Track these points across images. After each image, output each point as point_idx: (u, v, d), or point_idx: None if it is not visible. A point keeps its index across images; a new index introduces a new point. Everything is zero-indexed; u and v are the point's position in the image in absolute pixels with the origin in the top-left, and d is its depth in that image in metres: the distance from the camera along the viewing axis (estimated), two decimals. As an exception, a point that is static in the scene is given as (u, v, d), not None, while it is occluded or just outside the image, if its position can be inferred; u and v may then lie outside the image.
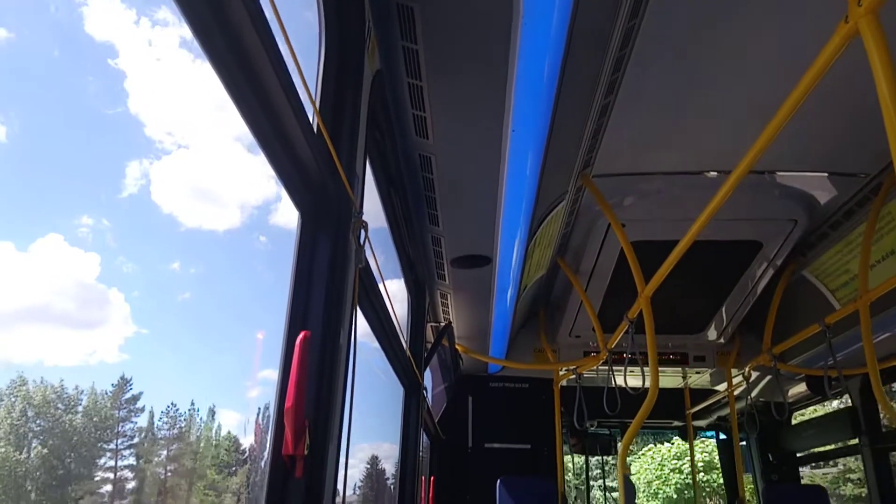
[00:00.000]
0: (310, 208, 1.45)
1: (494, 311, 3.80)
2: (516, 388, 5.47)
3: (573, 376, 4.72)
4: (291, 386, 1.17)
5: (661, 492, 25.67)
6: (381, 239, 2.83)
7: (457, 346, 4.75)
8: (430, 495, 4.98)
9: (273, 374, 1.36)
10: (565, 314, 4.55)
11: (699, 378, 5.38)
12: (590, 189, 2.99)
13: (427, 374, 4.12)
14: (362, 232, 1.61)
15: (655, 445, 26.24)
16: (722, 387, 5.36)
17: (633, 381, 4.46)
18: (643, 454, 27.35)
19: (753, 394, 5.14)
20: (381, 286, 2.23)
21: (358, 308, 1.65)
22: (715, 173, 2.92)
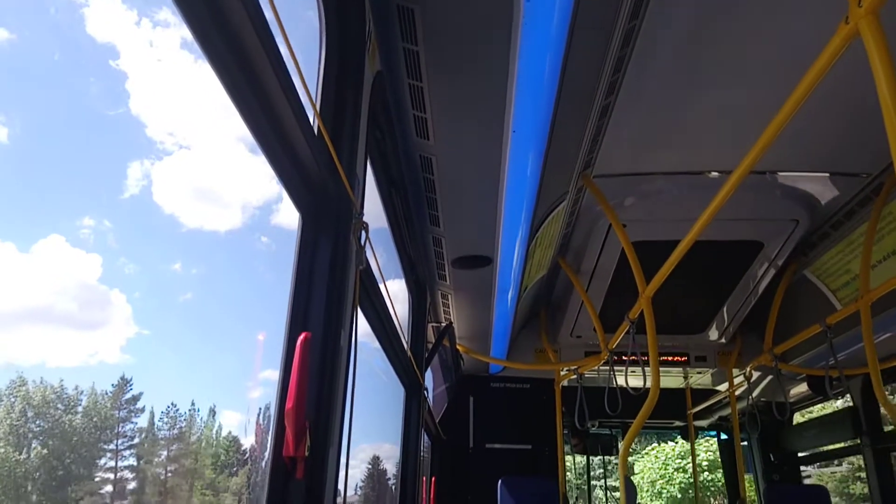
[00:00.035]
0: (310, 209, 1.46)
1: (495, 312, 3.80)
2: (517, 388, 5.47)
3: (574, 376, 4.72)
4: (292, 387, 1.17)
5: (664, 491, 25.48)
6: (382, 239, 2.84)
7: (458, 347, 4.75)
8: (432, 495, 4.98)
9: (274, 375, 1.36)
10: (566, 314, 4.55)
11: (700, 378, 5.38)
12: (590, 189, 2.99)
13: (428, 375, 4.12)
14: (363, 233, 1.61)
15: (659, 444, 26.00)
16: (723, 387, 5.35)
17: (635, 381, 4.46)
18: (646, 453, 27.20)
19: (755, 394, 5.14)
20: (381, 287, 2.23)
21: (359, 309, 1.65)
22: (716, 173, 2.92)
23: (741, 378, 4.83)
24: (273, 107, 1.18)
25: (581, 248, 3.69)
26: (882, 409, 4.34)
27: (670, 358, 4.89)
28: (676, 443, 25.02)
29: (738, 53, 2.14)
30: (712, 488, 23.50)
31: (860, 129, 2.55)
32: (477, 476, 5.20)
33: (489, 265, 3.38)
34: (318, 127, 1.41)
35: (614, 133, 2.55)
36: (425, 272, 3.63)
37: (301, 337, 1.22)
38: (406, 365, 3.26)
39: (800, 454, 5.82)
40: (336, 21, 1.62)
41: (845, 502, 21.51)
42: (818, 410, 6.72)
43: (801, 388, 5.21)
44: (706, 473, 23.45)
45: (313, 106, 1.42)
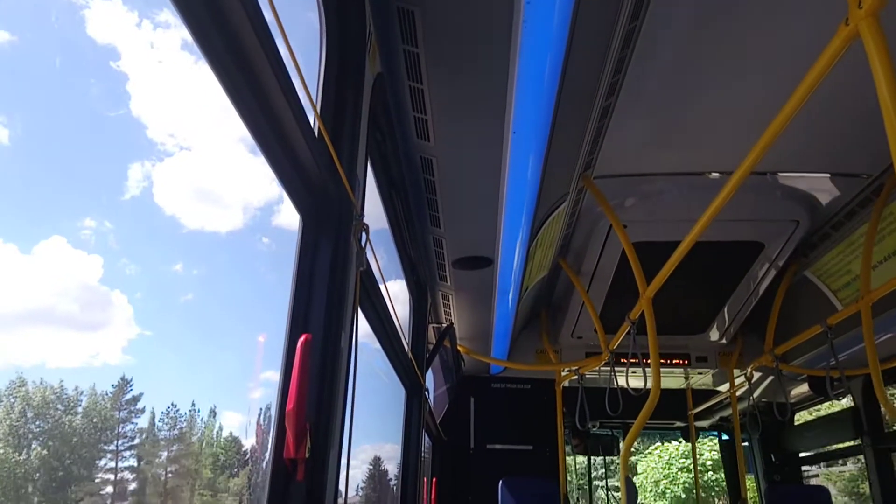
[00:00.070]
0: (311, 211, 1.46)
1: (496, 312, 3.80)
2: (518, 388, 5.47)
3: (575, 377, 4.71)
4: (293, 389, 1.17)
5: (668, 491, 25.29)
6: (383, 240, 2.84)
7: (458, 348, 4.75)
8: (433, 496, 4.98)
9: (275, 376, 1.36)
10: (567, 315, 4.55)
11: (701, 379, 5.38)
12: (591, 190, 2.99)
13: (429, 376, 4.12)
14: (363, 234, 1.61)
15: (663, 444, 25.84)
16: (724, 387, 5.35)
17: (635, 381, 4.46)
18: (650, 453, 27.05)
19: (755, 394, 5.14)
20: (382, 288, 2.23)
21: (359, 310, 1.65)
22: (717, 174, 2.92)
23: (742, 379, 4.82)
24: (273, 109, 1.18)
25: (582, 248, 3.69)
26: (883, 410, 4.33)
27: (671, 359, 4.89)
28: (680, 442, 24.82)
29: (738, 54, 2.14)
30: (716, 488, 23.33)
31: (861, 130, 2.55)
32: (478, 477, 5.20)
33: (490, 266, 3.39)
34: (319, 129, 1.41)
35: (615, 134, 2.55)
36: (426, 273, 3.64)
37: (301, 338, 1.22)
38: (407, 366, 3.26)
39: (801, 455, 5.82)
40: (336, 23, 1.62)
41: (854, 502, 21.44)
42: (826, 409, 6.71)
43: (802, 389, 5.20)
44: (710, 473, 23.31)
45: (314, 108, 1.42)
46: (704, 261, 3.53)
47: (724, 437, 6.49)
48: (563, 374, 5.01)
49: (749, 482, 6.17)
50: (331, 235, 1.46)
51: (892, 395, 3.48)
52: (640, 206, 3.20)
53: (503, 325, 4.06)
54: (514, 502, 4.75)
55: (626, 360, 3.63)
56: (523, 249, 2.84)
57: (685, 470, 24.74)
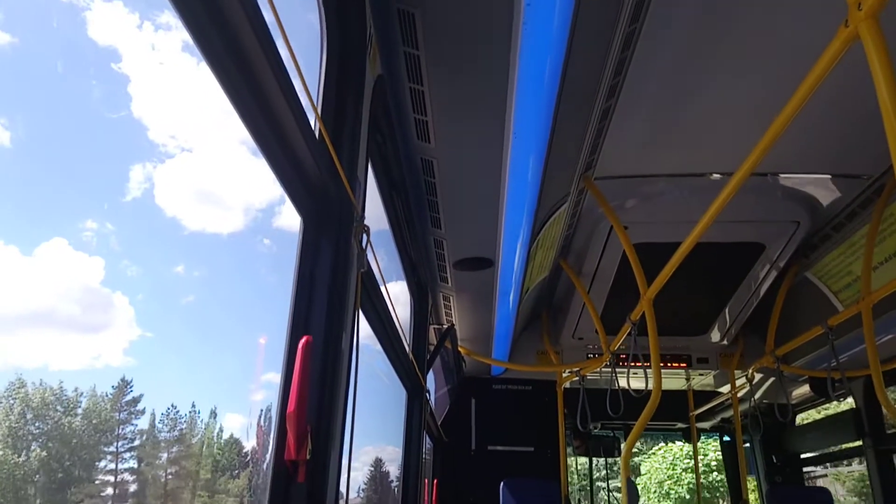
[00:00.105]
0: (312, 213, 1.46)
1: (497, 314, 3.80)
2: (519, 390, 5.47)
3: (576, 378, 4.71)
4: (293, 391, 1.17)
5: (672, 492, 25.13)
6: (384, 242, 2.84)
7: (459, 349, 4.76)
8: (434, 498, 4.98)
9: (276, 378, 1.36)
10: (568, 316, 4.55)
11: (702, 380, 5.37)
12: (592, 191, 2.99)
13: (430, 377, 4.12)
14: (364, 236, 1.61)
15: (667, 444, 25.68)
16: (725, 388, 5.35)
17: (636, 383, 4.46)
18: (654, 453, 26.90)
19: (757, 395, 5.14)
20: (383, 289, 2.23)
21: (360, 311, 1.65)
22: (717, 175, 2.92)
23: (743, 380, 4.82)
24: (274, 111, 1.18)
25: (582, 249, 3.69)
26: (884, 411, 4.33)
27: (672, 360, 4.89)
28: (684, 443, 24.60)
29: (738, 56, 2.14)
30: (721, 489, 23.14)
31: (861, 131, 2.54)
32: (479, 478, 5.20)
33: (491, 267, 3.39)
34: (320, 131, 1.41)
35: (615, 135, 2.56)
36: (427, 274, 3.64)
37: (302, 340, 1.23)
38: (408, 367, 3.26)
39: (802, 456, 5.82)
40: (337, 25, 1.62)
41: (864, 501, 21.32)
42: (834, 408, 6.71)
43: (804, 390, 5.20)
44: (714, 474, 23.23)
45: (314, 110, 1.43)
46: (705, 262, 3.53)
47: (726, 438, 6.49)
48: (564, 375, 5.00)
49: (750, 483, 6.17)
50: (331, 237, 1.47)
51: (893, 396, 3.47)
52: (641, 207, 3.20)
53: (504, 327, 4.06)
54: None
55: (627, 362, 3.63)
56: (524, 250, 2.84)
57: (689, 471, 24.54)
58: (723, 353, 4.93)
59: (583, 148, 2.63)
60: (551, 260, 3.87)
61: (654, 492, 25.76)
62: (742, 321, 4.45)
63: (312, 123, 1.35)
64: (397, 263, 3.18)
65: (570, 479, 5.27)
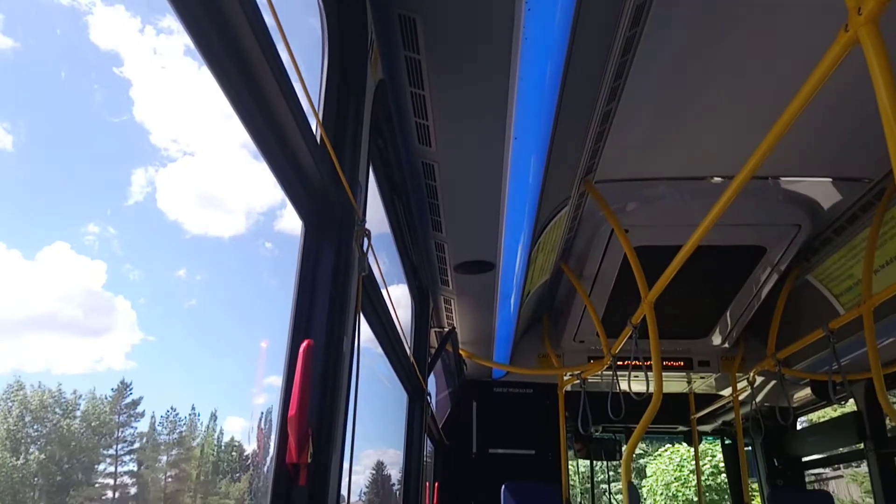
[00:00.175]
0: (313, 217, 1.46)
1: (498, 317, 3.80)
2: (520, 393, 5.47)
3: (577, 381, 4.71)
4: (295, 394, 1.18)
5: (680, 493, 24.75)
6: (385, 245, 2.85)
7: (460, 352, 4.76)
8: (435, 501, 4.97)
9: (277, 381, 1.36)
10: (569, 319, 4.55)
11: (704, 383, 5.37)
12: (593, 195, 2.99)
13: (431, 380, 4.12)
14: (365, 240, 1.61)
15: (674, 445, 25.43)
16: (727, 392, 5.34)
17: (638, 386, 4.45)
18: (660, 455, 26.66)
19: (758, 399, 5.13)
20: (384, 293, 2.24)
21: (361, 315, 1.66)
22: (718, 178, 2.92)
23: (744, 383, 4.82)
24: (275, 115, 1.19)
25: (583, 253, 3.69)
26: (886, 414, 4.33)
27: (673, 363, 4.89)
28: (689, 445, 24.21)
29: (739, 59, 2.15)
30: (728, 491, 22.95)
31: (862, 135, 2.55)
32: (480, 481, 5.20)
33: (492, 270, 3.39)
34: (321, 135, 1.42)
35: (616, 138, 2.56)
36: (428, 277, 3.64)
37: (304, 344, 1.23)
38: (409, 370, 3.26)
39: (804, 459, 5.81)
40: (338, 30, 1.63)
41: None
42: (835, 411, 6.71)
43: (805, 393, 5.19)
44: (722, 476, 23.07)
45: (315, 114, 1.43)
46: (706, 265, 3.53)
47: (727, 441, 6.48)
48: (565, 378, 5.00)
49: (752, 486, 6.15)
50: (333, 241, 1.47)
51: (894, 399, 3.47)
52: (642, 211, 3.20)
53: (505, 330, 4.06)
54: None
55: (628, 365, 3.62)
56: (525, 254, 2.84)
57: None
58: (724, 356, 4.93)
59: (583, 151, 2.64)
60: (552, 263, 3.88)
61: (661, 494, 25.48)
62: (743, 324, 4.45)
63: (314, 128, 1.36)
64: (398, 267, 3.19)
65: (571, 483, 5.26)
